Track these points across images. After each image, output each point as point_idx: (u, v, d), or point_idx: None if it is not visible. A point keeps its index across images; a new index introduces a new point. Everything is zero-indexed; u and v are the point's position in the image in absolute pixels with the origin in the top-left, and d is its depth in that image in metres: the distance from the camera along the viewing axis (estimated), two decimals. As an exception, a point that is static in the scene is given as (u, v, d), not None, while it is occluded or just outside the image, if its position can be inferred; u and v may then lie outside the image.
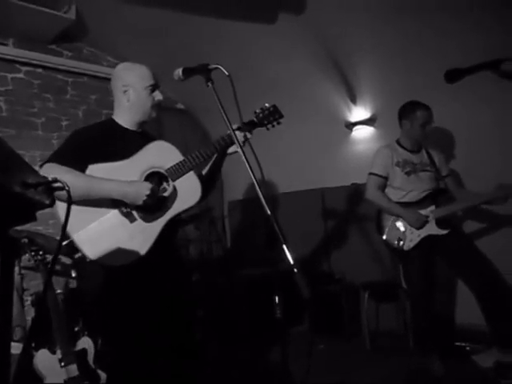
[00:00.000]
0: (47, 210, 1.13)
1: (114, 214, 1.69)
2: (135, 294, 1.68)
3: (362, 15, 3.03)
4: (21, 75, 3.63)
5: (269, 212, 1.30)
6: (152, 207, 1.70)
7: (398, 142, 2.92)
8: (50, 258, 2.48)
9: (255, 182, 1.35)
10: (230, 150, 1.92)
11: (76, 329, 2.62)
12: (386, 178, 2.86)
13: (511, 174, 2.69)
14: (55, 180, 0.88)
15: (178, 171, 1.74)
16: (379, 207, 2.87)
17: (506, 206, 2.69)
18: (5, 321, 0.92)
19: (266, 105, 1.94)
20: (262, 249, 3.02)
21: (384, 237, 2.81)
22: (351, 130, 3.84)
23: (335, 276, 3.73)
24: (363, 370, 2.84)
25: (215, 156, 1.94)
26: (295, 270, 1.21)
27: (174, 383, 1.76)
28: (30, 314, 3.14)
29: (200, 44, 3.61)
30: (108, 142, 1.75)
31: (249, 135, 1.82)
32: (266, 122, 1.92)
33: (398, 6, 2.84)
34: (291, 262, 1.22)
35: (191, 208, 1.78)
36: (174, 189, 1.74)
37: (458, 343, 2.96)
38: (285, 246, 1.24)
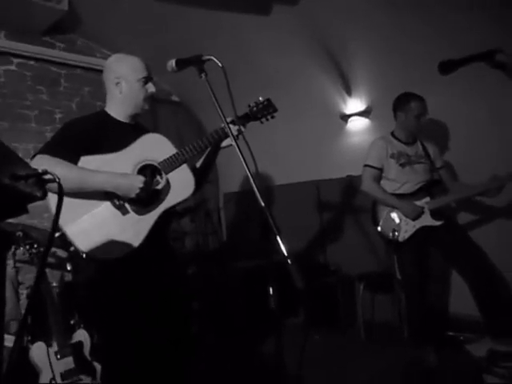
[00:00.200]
0: (41, 204, 1.13)
1: (106, 207, 1.68)
2: (129, 287, 1.68)
3: (358, 6, 3.01)
4: (13, 67, 3.59)
5: (262, 204, 1.31)
6: (145, 200, 1.69)
7: (392, 134, 2.93)
8: (45, 251, 2.48)
9: (249, 175, 1.35)
10: (224, 143, 1.91)
11: (72, 322, 2.63)
12: (380, 170, 2.87)
13: (506, 166, 2.69)
14: (45, 172, 0.87)
15: (171, 164, 1.74)
16: (375, 199, 2.88)
17: (499, 198, 2.71)
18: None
19: (260, 98, 1.93)
20: (257, 240, 3.02)
21: (379, 228, 2.83)
22: (346, 121, 3.83)
23: (330, 267, 3.74)
24: (358, 360, 2.87)
25: (209, 149, 1.94)
26: (289, 261, 1.22)
27: (169, 375, 1.77)
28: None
29: (194, 36, 3.57)
30: (101, 133, 1.73)
31: (243, 128, 1.81)
32: (259, 116, 1.92)
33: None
34: (285, 253, 1.23)
35: (184, 201, 1.78)
36: (167, 182, 1.74)
37: (451, 333, 2.99)
38: (278, 238, 1.25)
